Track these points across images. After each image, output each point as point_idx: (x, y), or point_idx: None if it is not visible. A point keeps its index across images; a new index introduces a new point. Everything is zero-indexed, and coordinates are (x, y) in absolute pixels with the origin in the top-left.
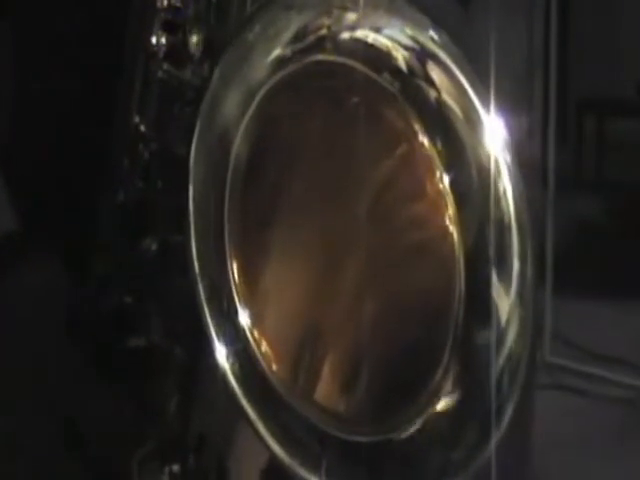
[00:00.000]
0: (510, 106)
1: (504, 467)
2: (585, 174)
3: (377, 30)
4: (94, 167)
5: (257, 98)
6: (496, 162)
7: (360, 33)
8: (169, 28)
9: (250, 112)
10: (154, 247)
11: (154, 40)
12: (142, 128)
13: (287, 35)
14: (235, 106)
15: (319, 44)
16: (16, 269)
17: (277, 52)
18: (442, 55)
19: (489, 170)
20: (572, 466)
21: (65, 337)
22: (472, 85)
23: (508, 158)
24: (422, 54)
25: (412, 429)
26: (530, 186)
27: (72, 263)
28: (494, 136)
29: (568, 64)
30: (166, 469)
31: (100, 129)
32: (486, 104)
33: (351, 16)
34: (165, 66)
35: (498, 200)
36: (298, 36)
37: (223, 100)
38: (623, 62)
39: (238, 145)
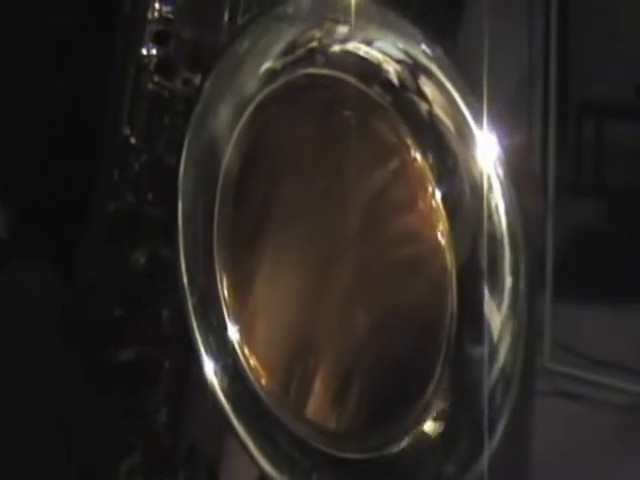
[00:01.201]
0: (506, 116)
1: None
2: (585, 178)
3: (369, 43)
4: (85, 178)
5: (248, 111)
6: (488, 177)
7: (351, 46)
8: (160, 39)
9: (241, 125)
10: (144, 259)
11: (144, 51)
12: (132, 140)
13: (277, 48)
14: (226, 119)
15: (309, 57)
16: (8, 275)
17: (267, 65)
18: (434, 69)
19: (482, 185)
20: (572, 472)
21: (55, 346)
22: (464, 99)
23: (501, 172)
24: (414, 68)
25: (403, 444)
26: (525, 199)
27: (63, 274)
28: (486, 150)
29: (568, 68)
30: None
31: (91, 139)
32: (479, 118)
33: (342, 29)
34: (155, 78)
35: (490, 215)
36: (288, 49)
37: (213, 113)
38: (622, 65)
39: (228, 158)
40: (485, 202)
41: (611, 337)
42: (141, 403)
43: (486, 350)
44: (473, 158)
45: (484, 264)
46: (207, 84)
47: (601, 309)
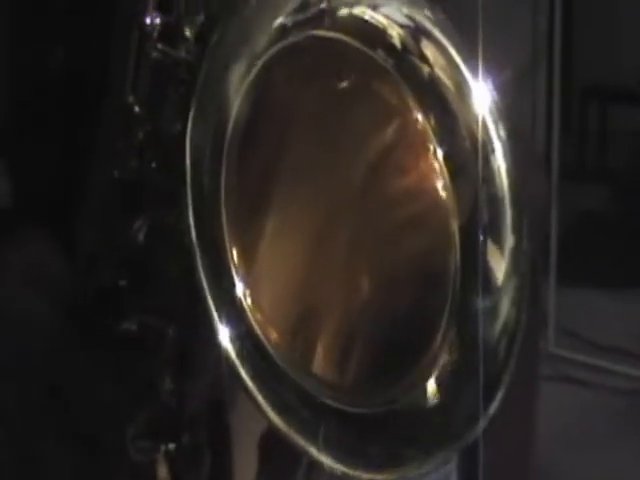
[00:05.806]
0: (508, 87)
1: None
2: (589, 162)
3: (374, 8)
4: (88, 147)
5: (256, 67)
6: (489, 137)
7: (358, 10)
8: (163, 8)
9: (249, 81)
10: (148, 227)
11: (148, 20)
12: (136, 108)
13: (291, 5)
14: (234, 74)
15: (318, 18)
16: (5, 247)
17: (280, 20)
18: (436, 32)
19: (483, 144)
20: (576, 457)
21: (55, 315)
22: (464, 60)
23: (503, 135)
24: (416, 31)
25: (410, 398)
26: (528, 163)
27: (64, 243)
28: (486, 109)
29: (572, 52)
30: (161, 447)
31: (95, 108)
32: (476, 74)
33: None
34: (159, 46)
35: (492, 176)
36: (301, 6)
37: (222, 68)
38: (627, 50)
39: (236, 114)
40: (482, 157)
41: (616, 322)
42: (145, 370)
43: (480, 304)
44: (474, 117)
45: (486, 221)
46: (215, 38)
47: (606, 294)
